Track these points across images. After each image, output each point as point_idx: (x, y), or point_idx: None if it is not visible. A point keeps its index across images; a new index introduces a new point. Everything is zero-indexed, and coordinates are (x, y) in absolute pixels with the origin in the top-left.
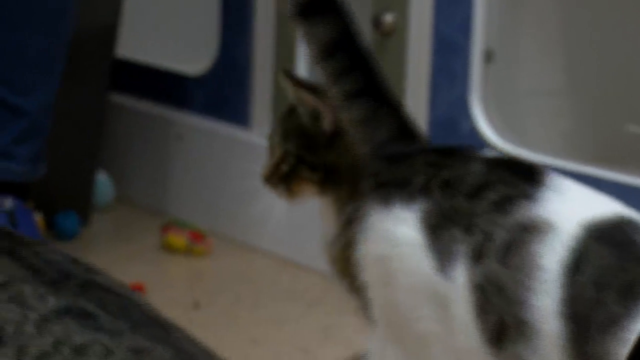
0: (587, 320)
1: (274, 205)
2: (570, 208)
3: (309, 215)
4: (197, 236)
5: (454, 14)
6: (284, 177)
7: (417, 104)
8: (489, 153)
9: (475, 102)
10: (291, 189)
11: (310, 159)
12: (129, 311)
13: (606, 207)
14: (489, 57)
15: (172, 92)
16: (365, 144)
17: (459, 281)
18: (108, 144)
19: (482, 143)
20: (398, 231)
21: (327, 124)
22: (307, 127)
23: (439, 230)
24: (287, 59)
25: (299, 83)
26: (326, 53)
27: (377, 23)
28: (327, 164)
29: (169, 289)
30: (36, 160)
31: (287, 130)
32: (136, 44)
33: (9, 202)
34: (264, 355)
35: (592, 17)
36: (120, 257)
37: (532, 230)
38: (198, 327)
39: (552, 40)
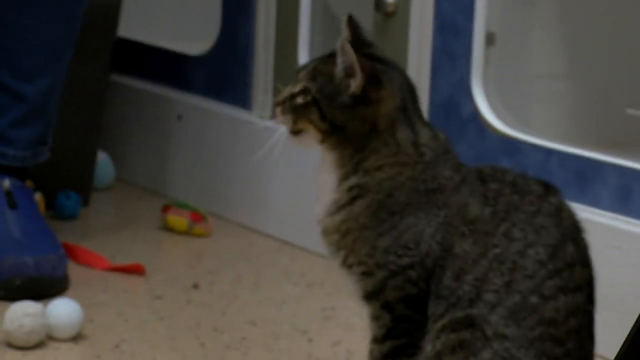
0: None
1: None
2: None
3: (308, 197)
4: (198, 217)
5: None
6: (294, 109)
7: (418, 86)
8: None
9: (476, 85)
10: (296, 123)
11: (324, 106)
12: None
13: None
14: (490, 39)
15: (172, 72)
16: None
17: None
18: (108, 124)
19: (483, 126)
20: None
21: (355, 85)
22: (336, 77)
23: None
24: (289, 40)
25: (353, 33)
26: None
27: (379, 4)
28: (338, 121)
29: (169, 269)
30: (37, 145)
31: (316, 70)
32: (138, 23)
33: (6, 182)
34: (263, 335)
35: (595, 0)
36: (121, 238)
37: None
38: (198, 308)
39: (554, 23)
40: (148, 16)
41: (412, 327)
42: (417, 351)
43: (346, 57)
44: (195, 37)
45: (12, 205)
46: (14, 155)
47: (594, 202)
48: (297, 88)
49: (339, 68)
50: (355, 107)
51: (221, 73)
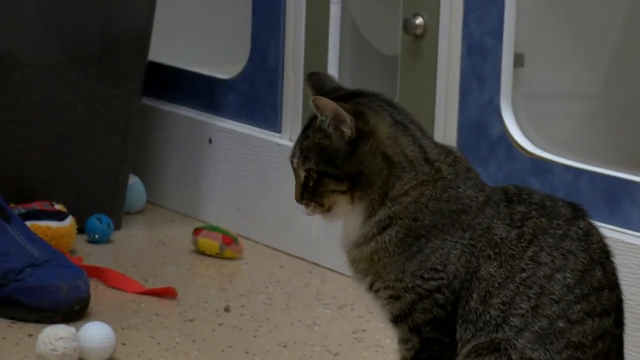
0: None
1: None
2: None
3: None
4: (229, 240)
5: (484, 17)
6: (314, 194)
7: (447, 107)
8: None
9: (505, 106)
10: (323, 204)
11: (332, 170)
12: None
13: None
14: (519, 60)
15: (203, 95)
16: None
17: None
18: (140, 148)
19: (512, 147)
20: None
21: (348, 129)
22: (323, 140)
23: None
24: (318, 63)
25: (319, 90)
26: None
27: (407, 25)
28: (352, 171)
29: (201, 292)
30: None
31: (303, 149)
32: (169, 48)
33: None
34: (295, 358)
35: (623, 21)
36: (152, 261)
37: None
38: (229, 330)
39: (583, 44)
40: (179, 40)
41: (441, 349)
42: None
43: (327, 110)
44: (225, 61)
45: (7, 220)
46: None
47: (625, 223)
48: (302, 177)
49: (326, 125)
50: (356, 149)
51: (251, 96)
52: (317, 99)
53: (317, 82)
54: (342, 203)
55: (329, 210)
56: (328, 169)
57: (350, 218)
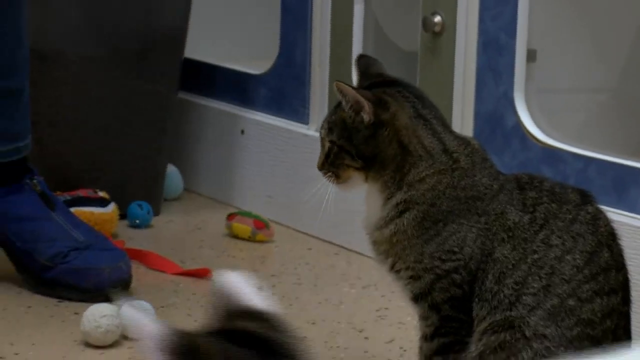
0: None
1: (327, 194)
2: None
3: (363, 205)
4: (260, 224)
5: (499, 14)
6: (332, 164)
7: (464, 100)
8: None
9: (519, 99)
10: (339, 175)
11: (349, 147)
12: None
13: None
14: (532, 56)
15: (236, 90)
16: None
17: None
18: (177, 139)
19: (526, 137)
20: None
21: (366, 114)
22: (347, 119)
23: None
24: (343, 59)
25: (364, 73)
26: None
27: (426, 23)
28: (367, 153)
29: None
30: (29, 132)
31: (330, 123)
32: (204, 46)
33: (36, 183)
34: (323, 334)
35: (632, 16)
36: (189, 244)
37: None
38: None
39: (592, 40)
40: (213, 38)
41: (459, 326)
42: (465, 347)
43: (347, 95)
44: (256, 57)
45: (52, 207)
46: (25, 145)
47: (632, 208)
48: (326, 147)
49: (347, 109)
50: (375, 134)
51: (280, 90)
52: (338, 84)
53: (363, 65)
54: (356, 178)
55: (344, 182)
56: (346, 145)
57: (371, 201)
